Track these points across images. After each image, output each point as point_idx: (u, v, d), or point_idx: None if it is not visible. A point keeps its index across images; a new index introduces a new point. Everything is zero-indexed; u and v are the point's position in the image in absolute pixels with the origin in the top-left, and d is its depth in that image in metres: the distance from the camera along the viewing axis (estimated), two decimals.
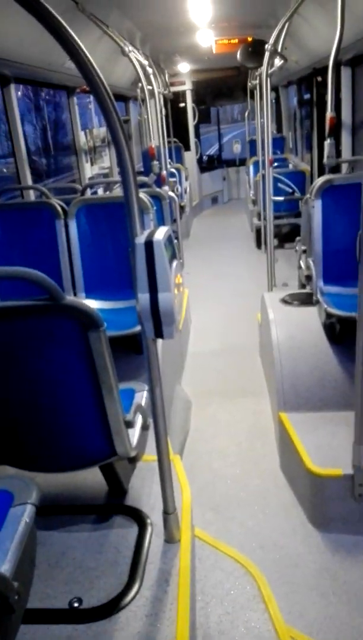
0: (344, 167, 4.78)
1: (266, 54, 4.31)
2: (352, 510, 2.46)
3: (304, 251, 3.65)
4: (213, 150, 14.43)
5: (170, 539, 1.97)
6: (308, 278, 3.50)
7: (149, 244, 1.59)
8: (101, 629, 1.65)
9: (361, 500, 2.43)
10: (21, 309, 1.61)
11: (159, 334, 1.67)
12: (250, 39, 6.21)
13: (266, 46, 4.29)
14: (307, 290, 3.70)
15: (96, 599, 1.76)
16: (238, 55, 6.22)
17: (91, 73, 1.47)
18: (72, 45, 1.43)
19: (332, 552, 2.39)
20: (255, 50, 5.58)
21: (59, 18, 1.39)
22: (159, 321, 1.64)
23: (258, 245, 7.44)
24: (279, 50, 4.24)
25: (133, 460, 2.29)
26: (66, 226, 3.46)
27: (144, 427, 2.13)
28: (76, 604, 1.74)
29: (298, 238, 3.94)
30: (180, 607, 1.70)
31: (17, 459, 2.02)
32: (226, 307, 5.58)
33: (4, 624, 1.25)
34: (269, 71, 4.38)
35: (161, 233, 1.62)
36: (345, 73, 4.85)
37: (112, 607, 1.72)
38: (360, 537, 2.44)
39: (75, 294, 3.48)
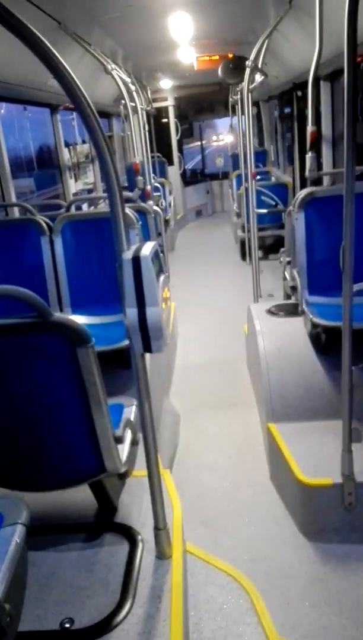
0: (325, 180, 4.87)
1: (247, 70, 4.39)
2: (342, 519, 2.46)
3: (288, 262, 3.70)
4: (193, 163, 14.61)
5: (161, 555, 1.96)
6: (294, 289, 3.54)
7: (136, 260, 1.60)
8: None
9: (351, 509, 2.44)
10: (9, 327, 1.61)
11: (147, 348, 1.68)
12: (230, 56, 6.32)
13: (247, 62, 4.37)
14: (292, 300, 3.74)
15: (87, 619, 1.73)
16: (219, 72, 6.33)
17: (75, 91, 1.49)
18: (56, 64, 1.45)
19: (323, 562, 2.39)
20: (236, 66, 5.68)
21: (42, 38, 1.41)
22: (147, 335, 1.65)
23: (243, 257, 7.50)
24: (259, 66, 4.32)
25: (123, 476, 2.28)
26: (52, 242, 3.46)
27: (134, 443, 2.12)
28: (67, 625, 1.72)
29: (282, 249, 3.99)
30: (173, 624, 1.69)
31: (4, 478, 1.99)
32: (212, 319, 5.60)
33: None
34: (250, 87, 4.46)
35: (147, 248, 1.63)
36: (325, 88, 4.96)
37: (104, 626, 1.70)
38: (351, 546, 2.45)
39: (61, 310, 3.47)
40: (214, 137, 17.57)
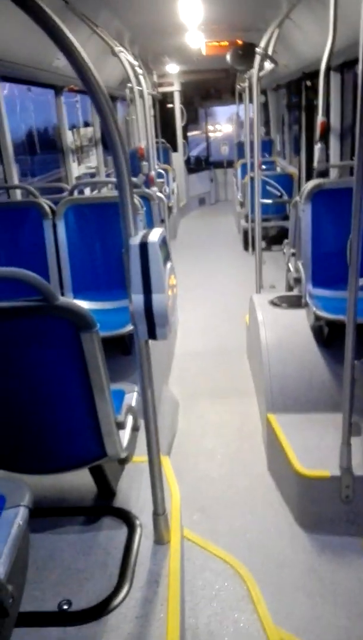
0: (332, 172, 4.83)
1: (257, 57, 4.33)
2: (338, 512, 2.48)
3: (293, 254, 3.68)
4: (198, 150, 14.38)
5: (160, 540, 1.97)
6: (297, 281, 3.53)
7: (144, 246, 1.59)
8: (91, 632, 1.64)
9: (348, 502, 2.45)
10: (13, 310, 1.60)
11: (152, 335, 1.67)
12: (240, 42, 6.23)
13: (257, 49, 4.31)
14: (296, 292, 3.73)
15: (85, 601, 1.75)
16: (228, 58, 6.23)
17: (87, 72, 1.46)
18: (67, 44, 1.42)
19: (318, 553, 2.41)
20: (245, 53, 5.60)
21: (53, 16, 1.39)
22: (152, 322, 1.64)
23: (246, 247, 7.48)
24: (269, 53, 4.26)
25: (123, 462, 2.28)
26: (54, 226, 3.44)
27: (135, 429, 2.13)
28: (65, 607, 1.73)
29: (286, 241, 3.97)
30: (170, 609, 1.70)
31: (6, 460, 2.00)
32: (213, 308, 5.59)
33: None
34: (259, 74, 4.40)
35: (155, 234, 1.62)
36: (335, 78, 4.90)
37: (101, 609, 1.71)
38: (347, 538, 2.47)
39: (63, 295, 3.45)
40: (211, 127, 15.84)
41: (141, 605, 1.72)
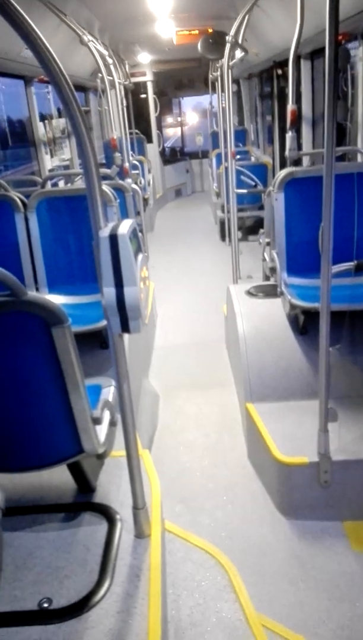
0: (305, 160, 4.84)
1: (227, 46, 4.31)
2: (318, 497, 2.51)
3: (268, 243, 3.69)
4: (172, 140, 14.22)
5: (140, 534, 1.97)
6: (273, 270, 3.54)
7: (113, 238, 1.56)
8: (72, 629, 1.63)
9: (326, 487, 2.49)
10: None
11: (125, 328, 1.65)
12: (210, 31, 6.17)
13: (227, 38, 4.28)
14: (272, 282, 3.74)
15: (66, 599, 1.73)
16: (199, 47, 6.18)
17: (50, 62, 1.43)
18: (30, 33, 1.38)
19: (299, 539, 2.44)
20: (216, 41, 5.56)
21: (16, 5, 1.35)
22: (125, 315, 1.62)
23: (222, 237, 7.48)
24: (239, 41, 4.24)
25: (101, 457, 2.27)
26: (26, 220, 3.38)
27: (112, 423, 2.11)
28: (45, 605, 1.72)
29: (261, 230, 3.97)
30: (151, 602, 1.70)
31: None
32: (192, 300, 5.59)
33: None
34: (230, 63, 4.38)
35: (125, 226, 1.59)
36: (305, 66, 4.91)
37: (82, 605, 1.70)
38: (327, 523, 2.50)
39: (37, 290, 3.40)
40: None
41: (122, 600, 1.71)
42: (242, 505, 2.68)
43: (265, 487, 2.77)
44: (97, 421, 1.86)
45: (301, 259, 3.26)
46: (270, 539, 2.46)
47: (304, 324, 3.19)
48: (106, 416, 2.06)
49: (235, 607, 1.93)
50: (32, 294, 1.58)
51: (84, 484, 2.20)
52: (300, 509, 2.55)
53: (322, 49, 4.59)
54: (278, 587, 2.20)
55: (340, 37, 3.76)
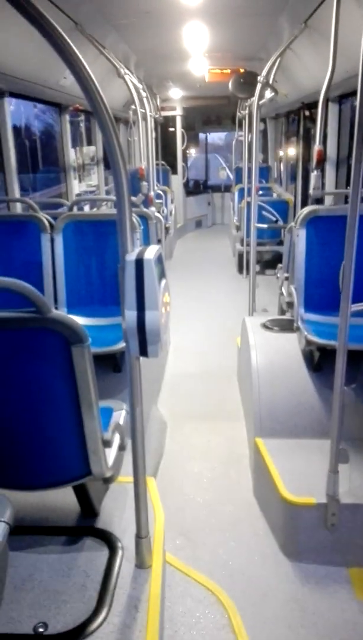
0: (327, 200, 4.90)
1: (258, 86, 4.43)
2: (323, 540, 2.44)
3: (286, 278, 3.70)
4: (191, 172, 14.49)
5: (141, 564, 1.93)
6: (290, 305, 3.54)
7: (139, 262, 1.59)
8: None
9: (333, 530, 2.42)
10: (5, 320, 1.59)
11: (144, 352, 1.66)
12: (242, 70, 6.37)
13: (259, 78, 4.41)
14: (288, 316, 3.74)
15: (62, 625, 1.69)
16: (230, 85, 6.36)
17: (92, 91, 1.49)
18: (75, 63, 1.44)
19: (302, 582, 2.36)
20: (247, 81, 5.73)
21: (63, 34, 1.41)
22: (144, 339, 1.64)
23: (240, 270, 7.53)
24: (270, 82, 4.36)
25: (107, 481, 2.25)
26: (52, 240, 3.45)
27: (121, 447, 2.10)
28: (40, 629, 1.68)
29: (279, 265, 4.00)
30: (148, 636, 1.66)
31: None
32: (205, 330, 5.59)
33: None
34: (259, 102, 4.50)
35: (151, 252, 1.62)
36: (333, 109, 5.02)
37: (78, 633, 1.66)
38: (331, 568, 2.43)
39: (57, 309, 3.44)
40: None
41: (119, 631, 1.67)
42: (245, 543, 2.62)
43: (269, 525, 2.70)
44: (107, 444, 1.85)
45: (319, 295, 3.26)
46: (271, 580, 2.39)
47: (319, 361, 3.17)
48: (116, 439, 2.05)
49: None
50: (56, 312, 1.60)
51: (88, 508, 2.18)
52: (304, 551, 2.48)
53: (350, 93, 4.71)
54: (277, 631, 2.12)
55: None
